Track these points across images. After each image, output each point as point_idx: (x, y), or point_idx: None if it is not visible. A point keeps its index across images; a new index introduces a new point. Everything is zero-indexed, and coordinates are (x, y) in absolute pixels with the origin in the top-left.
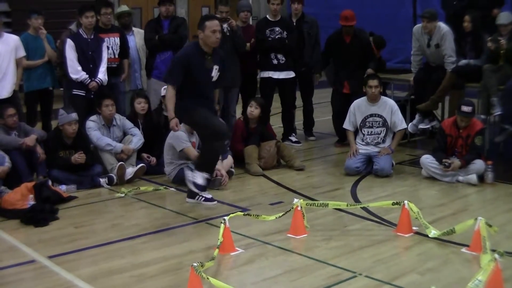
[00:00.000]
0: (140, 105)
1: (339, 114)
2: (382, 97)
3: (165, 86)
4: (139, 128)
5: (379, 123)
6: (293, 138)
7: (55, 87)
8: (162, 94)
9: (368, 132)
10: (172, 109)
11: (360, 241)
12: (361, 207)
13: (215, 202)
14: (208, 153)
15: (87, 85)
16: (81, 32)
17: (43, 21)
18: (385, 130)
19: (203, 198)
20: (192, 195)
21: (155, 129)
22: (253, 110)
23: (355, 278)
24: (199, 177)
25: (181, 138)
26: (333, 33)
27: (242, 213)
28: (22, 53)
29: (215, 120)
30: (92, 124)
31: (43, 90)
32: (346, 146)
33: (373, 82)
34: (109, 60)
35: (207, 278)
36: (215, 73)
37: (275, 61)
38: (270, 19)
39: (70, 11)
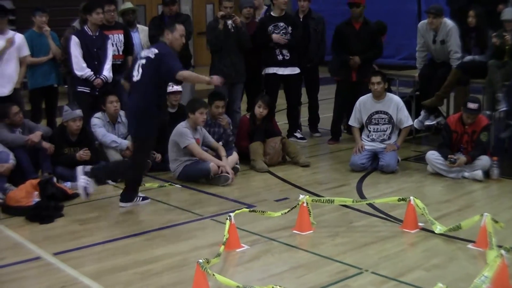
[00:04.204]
0: None
1: (343, 106)
2: (388, 94)
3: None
4: None
5: (385, 120)
6: (298, 135)
7: (60, 84)
8: (168, 91)
9: (374, 129)
10: (203, 76)
11: (366, 237)
12: (366, 203)
13: (149, 200)
14: (123, 168)
15: (92, 82)
16: (86, 29)
17: (48, 18)
18: (391, 127)
19: (140, 198)
20: (127, 199)
21: (159, 126)
22: (262, 111)
23: (361, 274)
24: (92, 186)
25: (185, 135)
26: (342, 22)
27: (248, 209)
28: (26, 52)
29: (147, 156)
30: (97, 121)
31: (48, 87)
32: (340, 143)
33: (376, 79)
34: (113, 57)
35: (213, 275)
36: None
37: (280, 57)
38: (274, 15)
39: (74, 8)
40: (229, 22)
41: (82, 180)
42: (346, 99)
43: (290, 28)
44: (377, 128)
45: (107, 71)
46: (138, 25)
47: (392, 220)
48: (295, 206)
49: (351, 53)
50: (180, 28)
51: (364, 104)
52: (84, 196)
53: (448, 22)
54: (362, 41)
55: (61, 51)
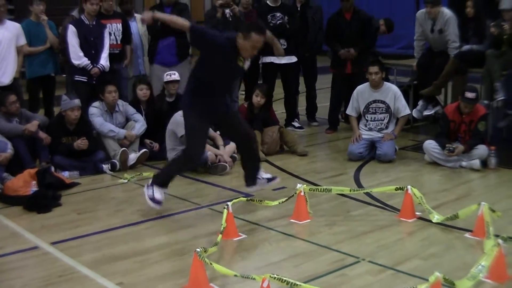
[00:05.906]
0: (142, 92)
1: (339, 97)
2: (385, 83)
3: (168, 72)
4: (141, 114)
5: (382, 109)
6: (296, 124)
7: (57, 73)
8: (165, 80)
9: (371, 118)
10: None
11: (363, 226)
12: (364, 192)
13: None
14: (175, 164)
15: (89, 71)
16: (83, 18)
17: (45, 7)
18: (388, 116)
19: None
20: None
21: (157, 115)
22: (260, 99)
23: (358, 263)
24: (157, 192)
25: (182, 124)
26: (333, 13)
27: (245, 198)
28: (23, 41)
29: (199, 140)
30: (95, 110)
31: (45, 76)
32: (337, 132)
33: (373, 69)
34: (111, 46)
35: (211, 264)
36: (247, 65)
37: None
38: (271, 4)
39: None
40: (227, 11)
41: (145, 192)
42: (342, 90)
43: (286, 17)
44: (375, 117)
45: (104, 60)
46: (136, 14)
47: (389, 209)
48: (293, 195)
49: (344, 43)
50: (255, 39)
51: (362, 93)
52: (154, 205)
53: (446, 11)
54: (353, 31)
55: (58, 40)
